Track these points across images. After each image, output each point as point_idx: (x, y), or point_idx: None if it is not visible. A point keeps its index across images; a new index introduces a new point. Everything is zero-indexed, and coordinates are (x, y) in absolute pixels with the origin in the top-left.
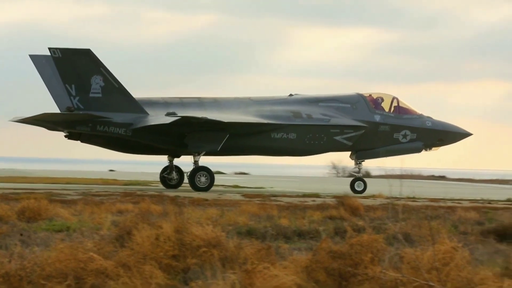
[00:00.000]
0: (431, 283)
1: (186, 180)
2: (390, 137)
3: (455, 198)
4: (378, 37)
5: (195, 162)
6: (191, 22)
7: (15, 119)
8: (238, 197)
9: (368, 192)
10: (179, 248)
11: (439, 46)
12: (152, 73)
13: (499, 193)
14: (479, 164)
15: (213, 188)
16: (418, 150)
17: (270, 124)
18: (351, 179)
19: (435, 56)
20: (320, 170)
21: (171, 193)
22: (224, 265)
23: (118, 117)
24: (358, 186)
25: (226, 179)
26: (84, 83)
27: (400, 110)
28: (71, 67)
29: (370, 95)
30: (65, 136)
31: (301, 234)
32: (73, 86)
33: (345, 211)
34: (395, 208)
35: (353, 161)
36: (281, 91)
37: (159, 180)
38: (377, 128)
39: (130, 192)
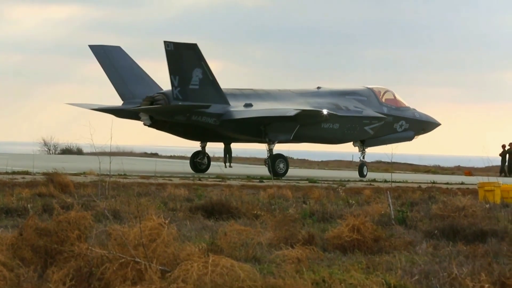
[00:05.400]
0: (137, 259)
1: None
2: (391, 127)
3: (166, 175)
4: (84, 14)
5: (270, 150)
6: None
7: (95, 107)
8: None
9: (79, 169)
10: None
11: (146, 24)
12: None
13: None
14: (190, 143)
15: None
16: (410, 139)
17: (343, 116)
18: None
19: (143, 33)
20: (30, 147)
21: None
22: None
23: (211, 108)
24: (364, 170)
25: None
26: (186, 75)
27: (397, 102)
28: (179, 60)
29: (373, 89)
30: (145, 124)
31: (8, 212)
32: (177, 77)
33: (54, 188)
34: (105, 185)
35: (357, 147)
36: None
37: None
38: (385, 119)
39: None
